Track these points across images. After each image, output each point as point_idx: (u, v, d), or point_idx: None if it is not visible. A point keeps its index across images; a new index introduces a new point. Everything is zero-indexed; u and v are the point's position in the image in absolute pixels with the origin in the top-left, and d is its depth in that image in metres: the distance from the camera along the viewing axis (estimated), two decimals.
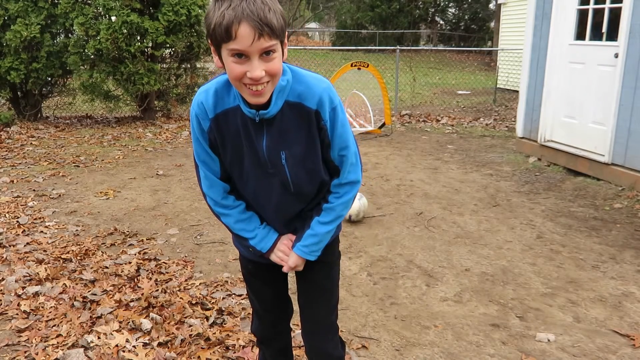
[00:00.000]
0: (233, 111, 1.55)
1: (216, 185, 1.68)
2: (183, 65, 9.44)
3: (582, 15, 5.83)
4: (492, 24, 27.24)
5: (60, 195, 5.18)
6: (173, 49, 8.95)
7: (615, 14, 5.35)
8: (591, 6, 5.68)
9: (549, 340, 2.75)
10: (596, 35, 5.70)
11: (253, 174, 1.64)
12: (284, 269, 1.75)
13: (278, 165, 1.60)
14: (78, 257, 3.71)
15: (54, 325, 2.86)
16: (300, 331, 2.63)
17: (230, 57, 1.39)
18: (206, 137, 1.60)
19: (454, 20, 31.76)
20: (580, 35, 5.86)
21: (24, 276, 3.38)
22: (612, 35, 5.41)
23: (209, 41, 1.44)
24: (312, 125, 1.57)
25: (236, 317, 2.94)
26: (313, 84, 1.56)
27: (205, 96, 1.57)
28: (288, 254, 1.74)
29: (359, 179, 1.71)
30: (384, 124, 8.20)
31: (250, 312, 2.14)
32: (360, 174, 1.71)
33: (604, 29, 5.56)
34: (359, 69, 7.70)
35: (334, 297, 1.92)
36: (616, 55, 5.20)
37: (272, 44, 1.38)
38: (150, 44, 8.59)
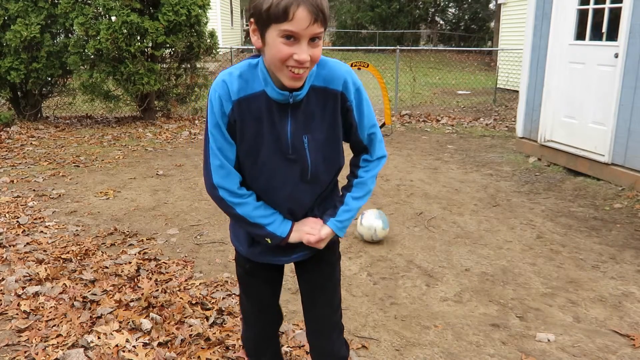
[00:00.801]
0: (257, 96, 1.55)
1: (232, 174, 1.64)
2: (183, 65, 9.43)
3: (582, 15, 5.83)
4: (492, 24, 27.24)
5: (60, 195, 5.18)
6: (173, 49, 8.94)
7: (615, 14, 5.35)
8: (591, 6, 5.68)
9: (549, 340, 2.75)
10: (596, 35, 5.70)
11: (270, 161, 1.62)
12: (312, 239, 1.69)
13: (300, 150, 1.61)
14: (78, 257, 3.71)
15: (54, 325, 2.86)
16: (300, 331, 2.62)
17: (280, 37, 1.40)
18: (226, 121, 1.56)
19: (454, 20, 31.77)
20: (580, 35, 5.86)
21: (24, 276, 3.38)
22: (612, 35, 5.41)
23: (254, 20, 1.44)
24: (337, 108, 1.60)
25: (236, 317, 2.94)
26: (336, 67, 1.59)
27: (229, 78, 1.55)
28: (317, 229, 1.71)
29: (385, 153, 1.77)
30: (384, 124, 8.20)
31: None
32: (384, 149, 1.77)
33: (604, 29, 5.56)
34: (359, 69, 7.70)
35: (337, 297, 1.91)
36: (616, 55, 5.20)
37: (321, 31, 1.42)
38: (150, 44, 8.59)
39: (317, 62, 1.50)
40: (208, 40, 9.27)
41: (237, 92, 1.54)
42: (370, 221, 3.96)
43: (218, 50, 9.72)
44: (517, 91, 7.99)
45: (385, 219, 4.01)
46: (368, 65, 7.75)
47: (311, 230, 1.71)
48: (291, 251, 1.77)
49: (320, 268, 1.84)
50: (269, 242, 1.70)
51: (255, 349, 2.00)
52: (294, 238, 1.71)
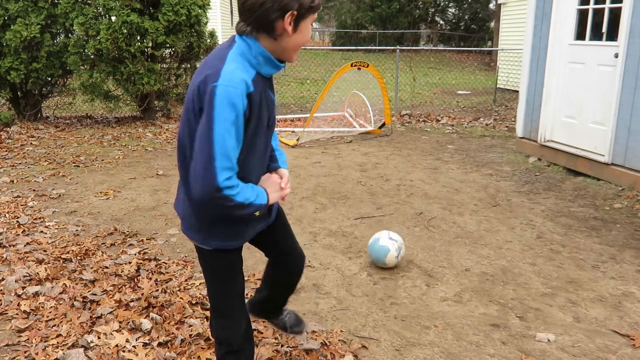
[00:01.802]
0: (256, 81, 1.67)
1: (234, 172, 1.66)
2: (183, 65, 9.43)
3: (582, 15, 5.83)
4: (492, 24, 27.24)
5: (60, 195, 5.18)
6: (173, 49, 8.94)
7: (615, 14, 5.35)
8: (591, 6, 5.68)
9: (549, 340, 2.75)
10: (596, 35, 5.70)
11: (259, 137, 1.75)
12: (287, 190, 1.94)
13: (273, 114, 1.82)
14: (78, 257, 3.71)
15: (54, 325, 2.86)
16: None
17: (311, 24, 1.71)
18: (242, 120, 1.63)
19: (454, 20, 31.78)
20: (580, 35, 5.86)
21: (24, 276, 3.38)
22: (612, 35, 5.41)
23: (296, 12, 1.62)
24: None
25: None
26: None
27: (246, 74, 1.64)
28: (277, 181, 1.93)
29: None
30: (384, 124, 8.20)
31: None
32: None
33: (604, 29, 5.56)
34: (359, 69, 7.70)
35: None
36: (616, 55, 5.20)
37: None
38: (150, 44, 8.59)
39: None
40: (208, 40, 9.27)
41: (248, 86, 1.63)
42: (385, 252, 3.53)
43: None
44: (517, 91, 7.99)
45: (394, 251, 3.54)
46: (368, 65, 7.75)
47: (276, 185, 1.91)
48: (267, 215, 2.01)
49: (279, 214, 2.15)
50: (257, 214, 1.80)
51: (244, 336, 2.03)
52: (273, 199, 1.87)
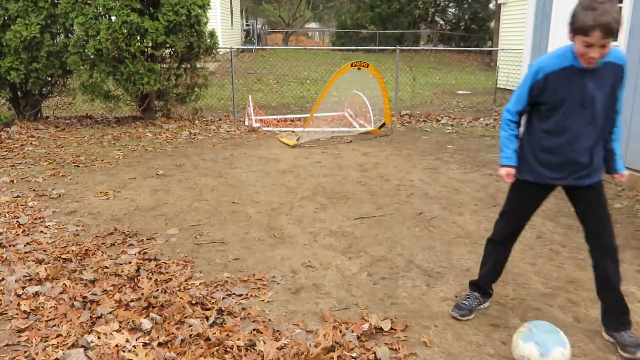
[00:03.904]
0: (566, 69, 2.52)
1: (518, 110, 2.71)
2: (183, 65, 9.43)
3: None
4: (492, 24, 27.23)
5: (60, 195, 5.18)
6: (173, 49, 8.95)
7: None
8: None
9: None
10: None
11: (573, 110, 2.55)
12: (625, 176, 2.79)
13: (593, 101, 2.53)
14: (78, 257, 3.71)
15: (54, 325, 2.86)
16: (299, 331, 2.62)
17: (581, 45, 2.40)
18: (530, 88, 2.61)
19: (454, 20, 31.76)
20: None
21: (24, 276, 3.38)
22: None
23: (570, 28, 2.45)
24: (617, 77, 2.58)
25: (236, 317, 2.94)
26: (620, 51, 2.60)
27: (548, 60, 2.59)
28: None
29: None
30: (384, 124, 8.20)
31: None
32: None
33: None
34: (359, 69, 7.71)
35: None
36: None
37: (609, 40, 2.34)
38: (150, 44, 8.59)
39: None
40: (208, 40, 9.27)
41: (551, 66, 2.55)
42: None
43: (218, 50, 9.72)
44: None
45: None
46: (368, 65, 7.75)
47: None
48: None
49: (597, 189, 2.77)
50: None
51: (505, 239, 2.99)
52: (503, 172, 2.84)
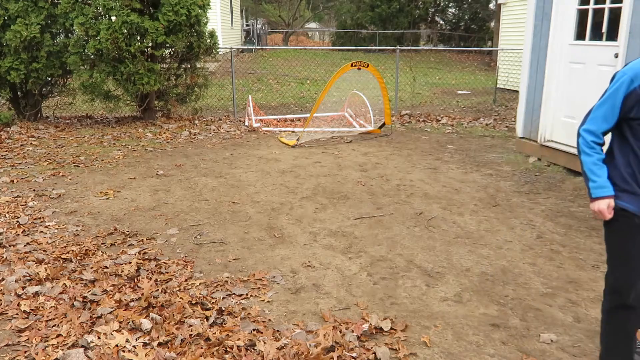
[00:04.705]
0: None
1: (605, 130, 2.24)
2: (183, 65, 9.42)
3: (582, 15, 5.82)
4: (492, 24, 27.24)
5: (60, 195, 5.18)
6: (173, 49, 8.94)
7: (615, 14, 5.34)
8: (591, 6, 5.68)
9: (551, 340, 2.75)
10: (596, 35, 5.69)
11: None
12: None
13: None
14: (78, 257, 3.71)
15: (54, 325, 2.86)
16: (299, 330, 2.62)
17: None
18: (625, 99, 2.15)
19: (454, 20, 31.75)
20: (580, 35, 5.85)
21: (24, 276, 3.38)
22: (612, 35, 5.40)
23: None
24: None
25: (236, 317, 2.94)
26: None
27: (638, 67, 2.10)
28: None
29: None
30: (384, 124, 8.20)
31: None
32: None
33: (604, 29, 5.55)
34: (359, 69, 7.71)
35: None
36: (616, 55, 5.20)
37: None
38: (150, 44, 8.59)
39: None
40: (208, 40, 9.26)
41: None
42: None
43: (218, 50, 9.72)
44: (517, 91, 7.98)
45: None
46: (368, 65, 7.75)
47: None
48: None
49: None
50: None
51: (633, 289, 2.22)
52: (595, 206, 2.24)
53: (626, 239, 2.21)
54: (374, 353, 2.64)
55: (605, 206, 2.20)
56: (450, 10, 32.14)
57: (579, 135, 2.30)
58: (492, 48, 21.59)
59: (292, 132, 8.37)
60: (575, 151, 5.75)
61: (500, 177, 5.84)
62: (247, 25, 34.27)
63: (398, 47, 11.58)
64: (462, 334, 2.83)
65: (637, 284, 2.20)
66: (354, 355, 2.63)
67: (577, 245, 3.96)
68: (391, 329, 2.86)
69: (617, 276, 2.25)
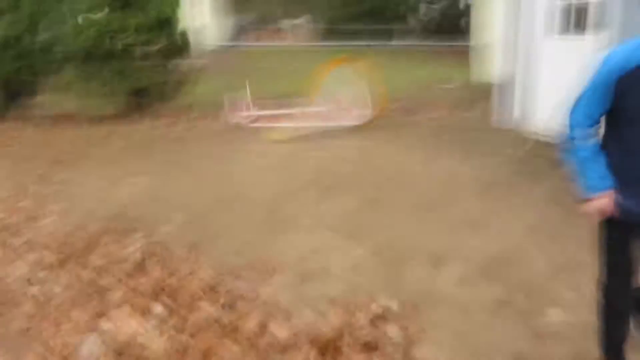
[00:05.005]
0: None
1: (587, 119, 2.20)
2: (172, 62, 9.38)
3: (564, 7, 5.91)
4: (472, 18, 27.42)
5: (58, 191, 5.15)
6: (160, 46, 8.90)
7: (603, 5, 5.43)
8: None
9: (556, 316, 2.81)
10: (580, 27, 5.78)
11: None
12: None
13: None
14: (83, 248, 3.70)
15: (66, 312, 2.85)
16: None
17: None
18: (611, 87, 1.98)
19: (440, 15, 31.86)
20: (563, 28, 5.94)
21: (33, 264, 3.37)
22: (595, 27, 5.49)
23: None
24: None
25: (247, 301, 2.96)
26: None
27: (622, 55, 1.95)
28: None
29: None
30: (375, 116, 8.24)
31: None
32: None
33: (587, 21, 5.64)
34: (345, 64, 7.76)
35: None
36: (602, 46, 5.29)
37: None
38: (137, 41, 8.53)
39: None
40: (194, 37, 9.26)
41: (633, 61, 1.91)
42: None
43: (206, 46, 9.71)
44: (509, 83, 8.08)
45: None
46: (355, 61, 7.80)
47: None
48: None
49: None
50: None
51: (625, 299, 2.34)
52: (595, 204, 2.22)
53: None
54: (385, 332, 2.68)
55: (604, 202, 2.30)
56: (433, 6, 32.28)
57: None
58: (481, 41, 21.73)
59: (284, 126, 8.38)
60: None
61: (496, 165, 5.87)
62: (236, 21, 34.09)
63: (384, 42, 11.62)
64: (470, 312, 2.88)
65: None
66: (364, 333, 2.67)
67: (579, 228, 4.01)
68: (400, 310, 2.90)
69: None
